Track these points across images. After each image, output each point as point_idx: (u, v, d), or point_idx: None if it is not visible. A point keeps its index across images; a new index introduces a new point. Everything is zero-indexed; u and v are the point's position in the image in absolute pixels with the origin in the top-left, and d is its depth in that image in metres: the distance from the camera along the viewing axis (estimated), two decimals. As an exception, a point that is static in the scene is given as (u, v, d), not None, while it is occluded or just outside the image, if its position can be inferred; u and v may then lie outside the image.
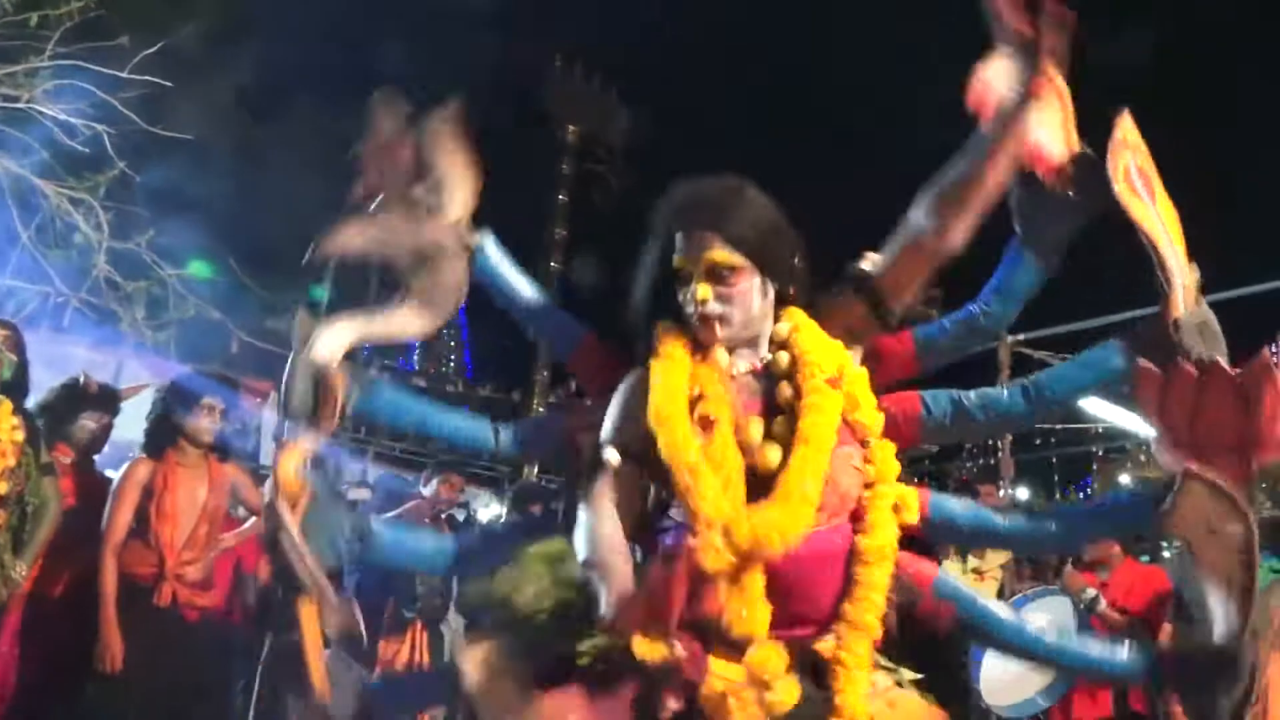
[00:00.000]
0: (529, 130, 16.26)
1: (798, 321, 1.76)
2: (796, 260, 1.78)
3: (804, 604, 1.62)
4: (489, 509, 12.28)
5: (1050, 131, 1.71)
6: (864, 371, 1.75)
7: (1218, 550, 1.53)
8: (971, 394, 1.80)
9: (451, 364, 42.29)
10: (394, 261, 1.78)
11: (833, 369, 1.69)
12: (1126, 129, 1.71)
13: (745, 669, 1.49)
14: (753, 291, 1.71)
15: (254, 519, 4.28)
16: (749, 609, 1.54)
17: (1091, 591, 4.42)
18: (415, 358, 39.38)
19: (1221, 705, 1.54)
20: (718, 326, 1.69)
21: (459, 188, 1.80)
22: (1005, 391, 1.80)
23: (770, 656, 1.51)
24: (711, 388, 1.68)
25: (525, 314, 1.95)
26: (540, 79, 14.45)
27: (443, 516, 5.47)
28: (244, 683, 5.15)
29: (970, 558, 6.35)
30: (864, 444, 1.71)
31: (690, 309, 1.70)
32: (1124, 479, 33.77)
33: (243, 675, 5.13)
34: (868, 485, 1.69)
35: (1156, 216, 1.70)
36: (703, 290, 1.67)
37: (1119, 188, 1.66)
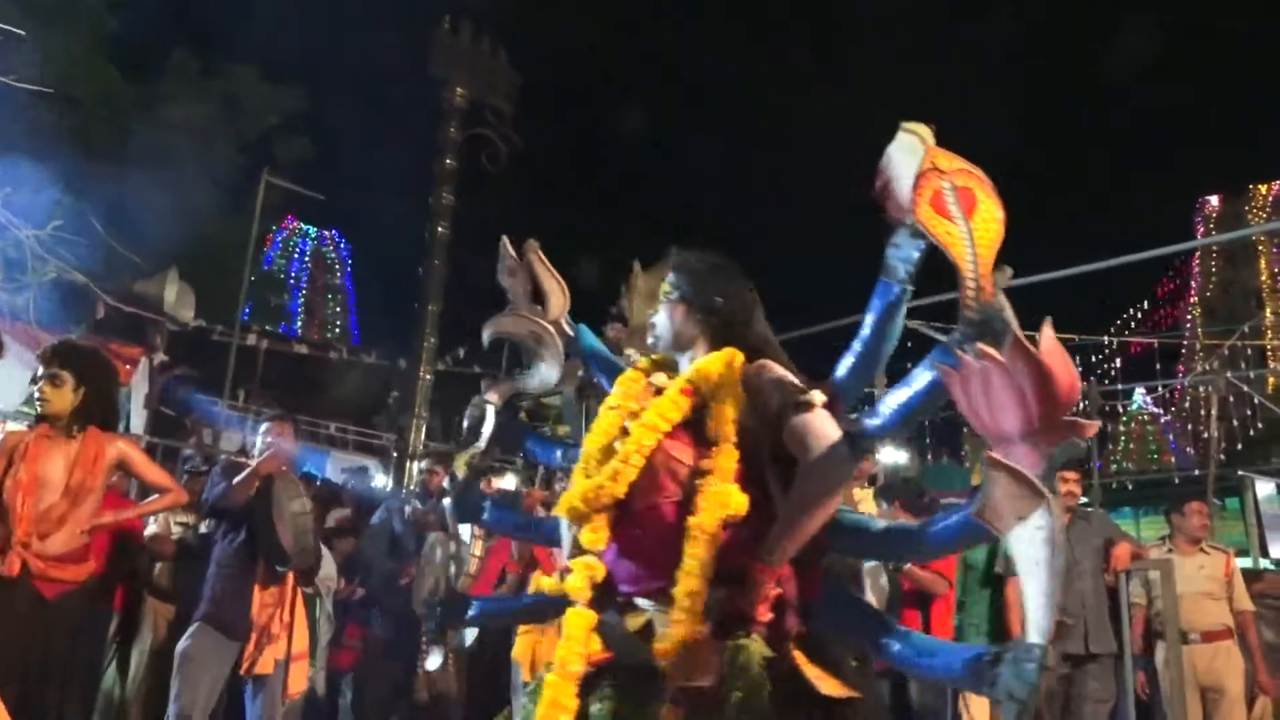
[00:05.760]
0: (417, 93, 15.91)
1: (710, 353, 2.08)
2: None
3: (643, 562, 1.95)
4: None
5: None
6: (740, 393, 1.98)
7: (1027, 538, 1.52)
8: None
9: (338, 329, 41.30)
10: (521, 341, 2.71)
11: (698, 379, 2.01)
12: (937, 156, 1.77)
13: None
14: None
15: (155, 496, 4.20)
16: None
17: None
18: (298, 325, 38.23)
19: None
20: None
21: (554, 297, 2.70)
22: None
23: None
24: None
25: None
26: (427, 41, 14.02)
27: None
28: (115, 659, 5.01)
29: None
30: (712, 444, 1.96)
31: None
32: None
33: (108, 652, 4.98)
34: (699, 475, 1.93)
35: (966, 229, 1.73)
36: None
37: (922, 212, 1.74)
